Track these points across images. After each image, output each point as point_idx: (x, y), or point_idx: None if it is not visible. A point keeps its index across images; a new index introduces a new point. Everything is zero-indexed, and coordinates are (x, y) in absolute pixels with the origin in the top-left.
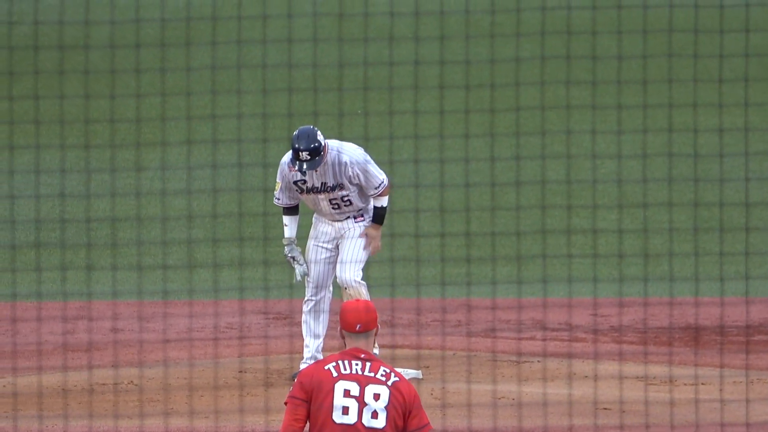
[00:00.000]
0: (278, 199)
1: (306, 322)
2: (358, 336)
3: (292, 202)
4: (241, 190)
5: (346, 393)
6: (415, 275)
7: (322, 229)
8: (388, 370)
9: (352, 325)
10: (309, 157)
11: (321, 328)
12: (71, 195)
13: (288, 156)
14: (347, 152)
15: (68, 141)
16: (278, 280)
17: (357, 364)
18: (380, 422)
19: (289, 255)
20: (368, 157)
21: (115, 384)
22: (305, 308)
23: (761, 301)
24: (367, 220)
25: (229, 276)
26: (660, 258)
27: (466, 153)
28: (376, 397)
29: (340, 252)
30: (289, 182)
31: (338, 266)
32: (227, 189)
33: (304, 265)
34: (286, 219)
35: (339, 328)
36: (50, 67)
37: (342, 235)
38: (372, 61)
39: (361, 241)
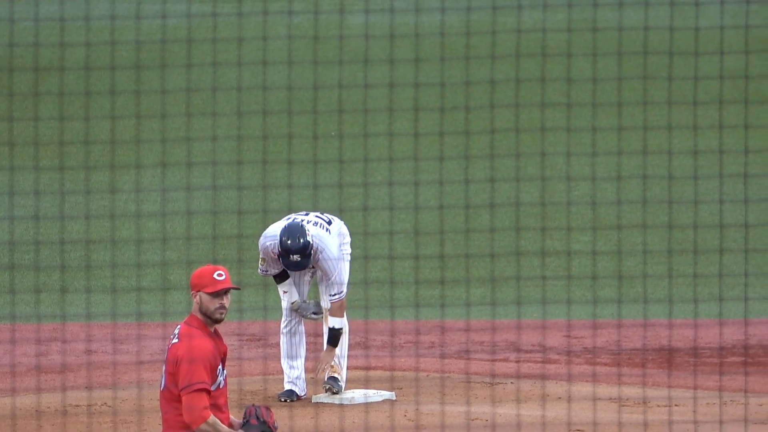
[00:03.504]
0: (265, 272)
1: (282, 344)
2: None
3: (278, 270)
4: (215, 212)
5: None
6: (389, 297)
7: None
8: (175, 332)
9: None
10: (299, 259)
11: (296, 350)
12: (45, 217)
13: (270, 238)
14: (327, 249)
15: (42, 163)
16: (252, 302)
17: (175, 332)
18: (161, 385)
19: (312, 312)
20: (345, 258)
21: (89, 406)
22: (284, 330)
23: (735, 323)
24: (346, 244)
25: None
26: (634, 280)
27: (440, 175)
28: (164, 362)
29: (320, 273)
30: (274, 259)
31: (321, 288)
32: (201, 211)
33: (321, 307)
34: (283, 286)
35: None
36: (25, 89)
37: (317, 259)
38: (346, 84)
39: (341, 263)
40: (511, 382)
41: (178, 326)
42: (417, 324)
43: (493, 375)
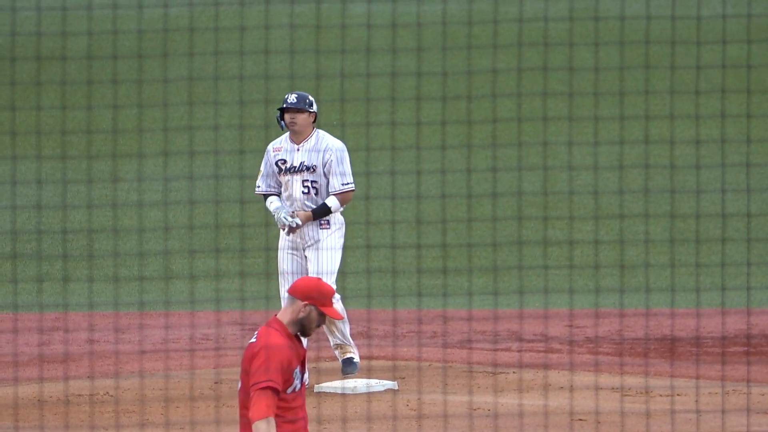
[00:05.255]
0: (258, 187)
1: None
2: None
3: (272, 191)
4: (217, 201)
5: None
6: (392, 286)
7: (290, 236)
8: (255, 334)
9: None
10: (296, 100)
11: None
12: (47, 206)
13: (273, 142)
14: (331, 140)
15: (45, 152)
16: (254, 291)
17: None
18: (239, 385)
19: (283, 212)
20: (347, 158)
21: (91, 395)
22: None
23: (737, 312)
24: (333, 228)
25: (205, 287)
26: (636, 269)
27: (442, 164)
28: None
29: (311, 262)
30: (272, 164)
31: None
32: (204, 200)
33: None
34: (270, 199)
35: None
36: (27, 78)
37: (308, 245)
38: (349, 73)
39: (331, 252)
40: (514, 372)
41: (258, 328)
42: (419, 313)
43: (496, 364)
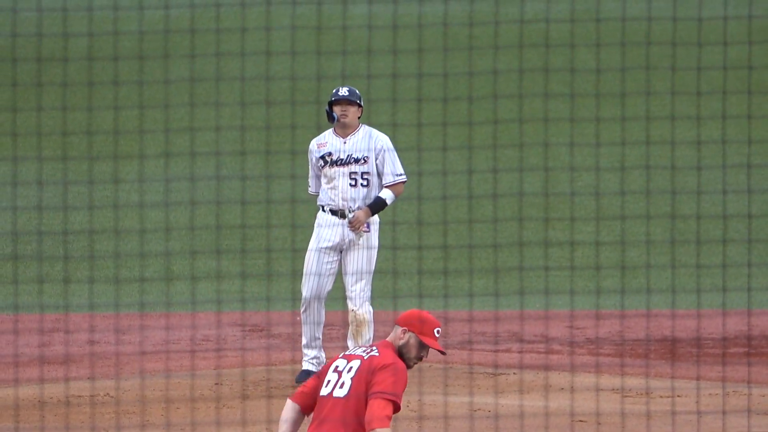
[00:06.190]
0: (310, 186)
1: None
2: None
3: (316, 186)
4: (218, 202)
5: (335, 369)
6: (392, 288)
7: (326, 235)
8: (373, 347)
9: None
10: (348, 93)
11: (307, 338)
12: (48, 207)
13: (316, 138)
14: (380, 133)
15: (45, 153)
16: (255, 293)
17: (364, 348)
18: (343, 391)
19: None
20: (394, 150)
21: (92, 396)
22: (301, 310)
23: (737, 314)
24: (373, 232)
25: (206, 288)
26: (637, 270)
27: (443, 165)
28: (350, 369)
29: (349, 262)
30: (316, 160)
31: (346, 278)
32: (205, 201)
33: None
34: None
35: None
36: (28, 79)
37: (346, 245)
38: (349, 74)
39: (370, 251)
40: (514, 373)
41: (372, 347)
42: None
43: (496, 365)
